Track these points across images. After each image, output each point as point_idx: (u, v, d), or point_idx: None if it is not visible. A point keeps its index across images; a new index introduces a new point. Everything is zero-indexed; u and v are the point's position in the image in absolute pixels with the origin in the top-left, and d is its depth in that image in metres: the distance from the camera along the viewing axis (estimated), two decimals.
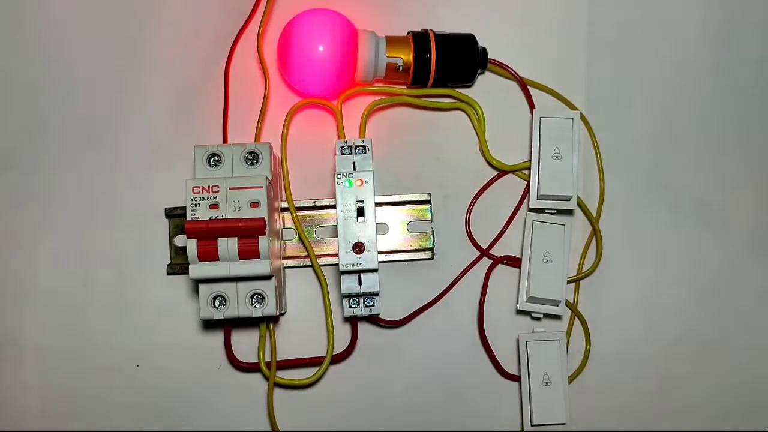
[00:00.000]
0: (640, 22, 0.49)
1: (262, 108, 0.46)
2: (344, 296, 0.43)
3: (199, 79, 0.47)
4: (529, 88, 0.48)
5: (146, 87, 0.47)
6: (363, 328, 0.46)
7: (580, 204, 0.47)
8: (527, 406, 0.45)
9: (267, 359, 0.45)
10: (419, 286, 0.47)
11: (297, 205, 0.46)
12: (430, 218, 0.47)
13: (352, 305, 0.43)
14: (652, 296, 0.48)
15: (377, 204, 0.44)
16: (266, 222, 0.39)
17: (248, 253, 0.39)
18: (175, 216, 0.46)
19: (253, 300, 0.41)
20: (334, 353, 0.45)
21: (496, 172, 0.48)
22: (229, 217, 0.39)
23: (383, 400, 0.46)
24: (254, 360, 0.45)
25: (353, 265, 0.41)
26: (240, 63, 0.47)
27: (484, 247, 0.47)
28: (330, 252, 0.46)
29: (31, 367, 0.45)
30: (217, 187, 0.40)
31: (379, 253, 0.44)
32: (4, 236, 0.46)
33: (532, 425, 0.45)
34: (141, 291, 0.46)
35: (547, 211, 0.46)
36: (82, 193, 0.46)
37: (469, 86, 0.48)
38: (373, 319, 0.46)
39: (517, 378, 0.47)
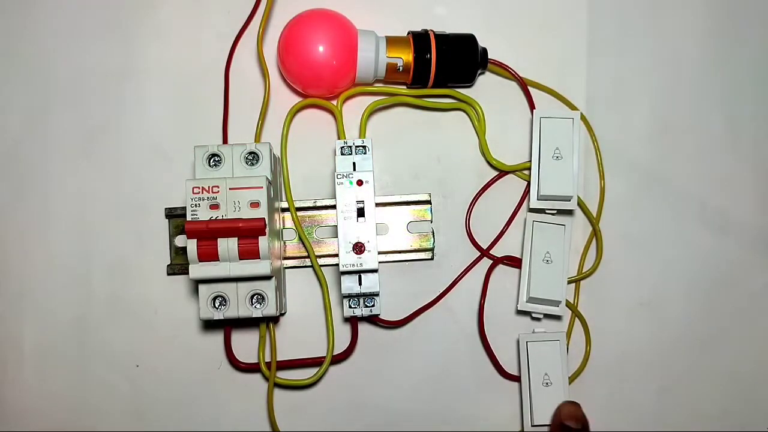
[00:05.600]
0: (640, 22, 0.49)
1: (262, 108, 0.46)
2: (344, 296, 0.43)
3: (199, 79, 0.47)
4: (529, 88, 0.48)
5: (146, 87, 0.47)
6: (363, 328, 0.46)
7: (580, 204, 0.47)
8: (527, 406, 0.45)
9: (267, 359, 0.45)
10: (419, 286, 0.47)
11: (297, 205, 0.46)
12: (430, 218, 0.47)
13: (353, 305, 0.43)
14: (652, 296, 0.48)
15: (377, 204, 0.44)
16: (266, 222, 0.39)
17: (248, 253, 0.39)
18: (175, 216, 0.46)
19: (253, 300, 0.41)
20: (334, 353, 0.45)
21: (496, 172, 0.48)
22: (229, 218, 0.39)
23: (383, 400, 0.46)
24: (254, 360, 0.45)
25: (353, 265, 0.41)
26: (240, 63, 0.47)
27: (484, 247, 0.47)
28: (330, 252, 0.46)
29: (31, 367, 0.45)
30: (217, 187, 0.40)
31: (380, 253, 0.44)
32: (5, 236, 0.46)
33: (532, 425, 0.45)
34: (141, 291, 0.46)
35: (547, 211, 0.46)
36: (82, 193, 0.46)
37: (469, 86, 0.48)
38: (373, 319, 0.46)
39: (517, 378, 0.47)
